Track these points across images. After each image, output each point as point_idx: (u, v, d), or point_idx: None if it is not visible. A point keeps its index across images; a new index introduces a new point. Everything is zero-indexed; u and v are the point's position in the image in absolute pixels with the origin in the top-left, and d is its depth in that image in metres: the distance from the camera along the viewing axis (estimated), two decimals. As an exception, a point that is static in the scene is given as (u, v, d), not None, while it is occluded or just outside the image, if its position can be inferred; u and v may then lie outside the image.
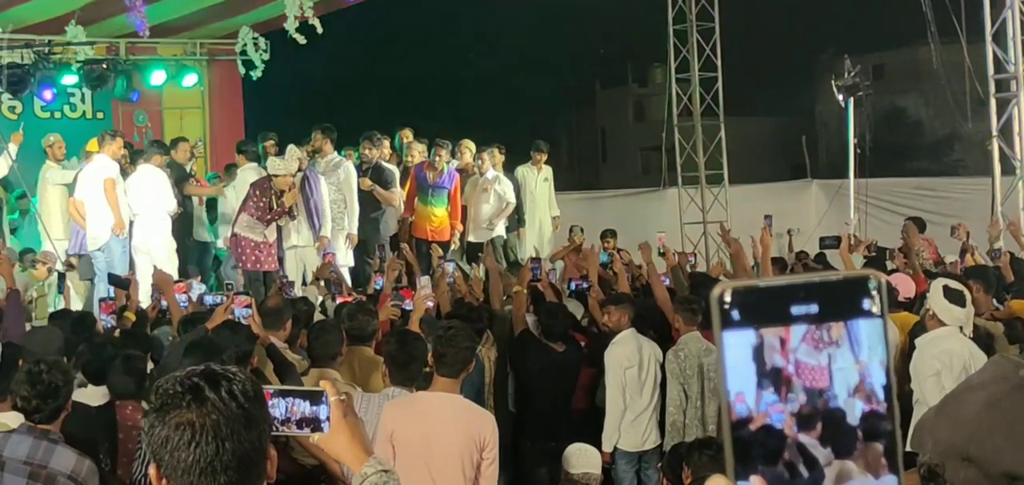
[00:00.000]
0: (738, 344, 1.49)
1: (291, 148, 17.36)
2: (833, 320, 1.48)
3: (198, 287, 15.06)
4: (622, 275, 14.03)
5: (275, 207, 16.63)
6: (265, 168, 17.39)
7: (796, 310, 1.48)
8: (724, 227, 16.24)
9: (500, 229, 19.74)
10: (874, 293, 1.48)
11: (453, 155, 19.85)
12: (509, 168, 20.34)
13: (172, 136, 20.52)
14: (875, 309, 1.48)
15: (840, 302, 1.48)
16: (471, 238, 19.60)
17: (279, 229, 17.01)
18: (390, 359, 8.03)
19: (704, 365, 10.68)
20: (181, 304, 12.38)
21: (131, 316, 12.59)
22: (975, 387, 2.60)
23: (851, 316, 1.48)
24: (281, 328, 9.83)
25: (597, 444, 10.34)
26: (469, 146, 20.09)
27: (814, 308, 1.48)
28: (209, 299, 12.51)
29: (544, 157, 20.41)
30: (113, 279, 14.64)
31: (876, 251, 17.02)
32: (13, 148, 18.24)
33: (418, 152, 19.77)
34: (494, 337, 11.47)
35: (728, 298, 1.48)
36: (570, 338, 11.65)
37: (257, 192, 16.87)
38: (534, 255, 16.71)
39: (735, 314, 1.48)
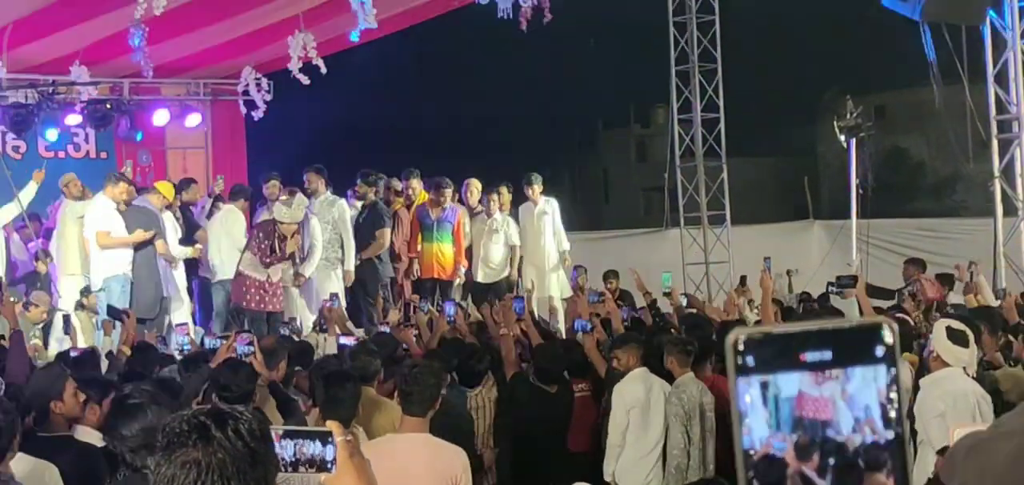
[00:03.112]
0: (752, 391, 1.49)
1: (300, 197, 17.40)
2: (846, 366, 1.49)
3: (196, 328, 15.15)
4: (615, 315, 14.02)
5: (276, 251, 16.66)
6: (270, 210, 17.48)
7: (809, 357, 1.48)
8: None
9: (507, 270, 19.62)
10: (887, 340, 1.49)
11: (459, 195, 19.78)
12: (515, 207, 20.27)
13: (176, 176, 20.57)
14: (888, 356, 1.49)
15: (853, 349, 1.49)
16: (479, 279, 19.49)
17: None
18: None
19: (703, 405, 10.61)
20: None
21: (126, 350, 12.59)
22: (1006, 434, 2.60)
23: (864, 363, 1.48)
24: (275, 368, 9.85)
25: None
26: (476, 186, 19.99)
27: (827, 355, 1.48)
28: (209, 341, 12.54)
29: (538, 189, 19.99)
30: (111, 310, 14.71)
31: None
32: (33, 186, 18.49)
33: (416, 192, 19.68)
34: (495, 379, 11.44)
35: (742, 345, 1.49)
36: (563, 379, 11.62)
37: (260, 234, 16.92)
38: (516, 293, 16.62)
39: (749, 360, 1.49)
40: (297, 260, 17.11)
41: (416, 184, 19.67)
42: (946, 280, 17.99)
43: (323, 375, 9.45)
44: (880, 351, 1.50)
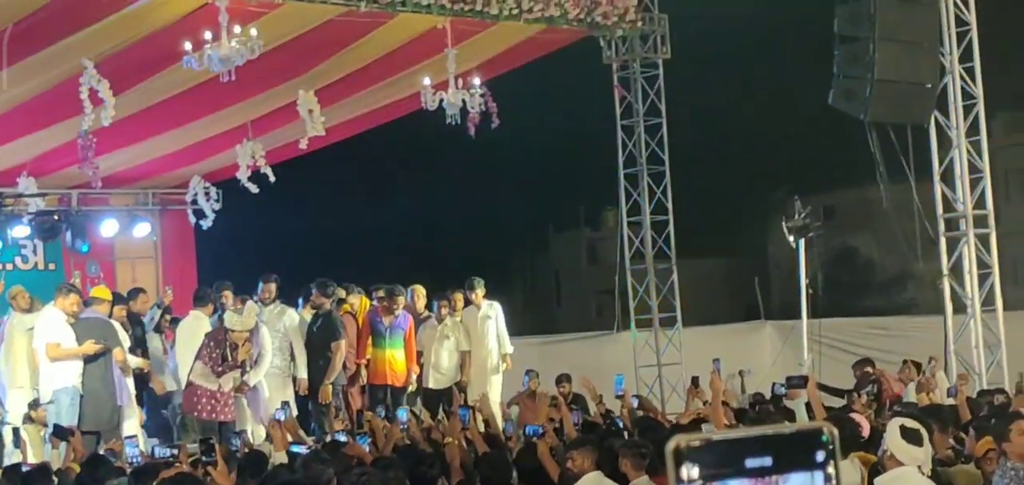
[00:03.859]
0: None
1: (250, 304, 17.31)
2: (787, 472, 1.47)
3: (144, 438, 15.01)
4: (567, 418, 13.98)
5: (228, 359, 16.56)
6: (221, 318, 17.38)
7: (750, 463, 1.47)
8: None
9: (458, 376, 19.56)
10: (827, 445, 1.48)
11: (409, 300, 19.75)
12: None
13: (125, 287, 20.46)
14: (827, 460, 1.48)
15: (793, 454, 1.47)
16: (430, 385, 19.44)
17: None
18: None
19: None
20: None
21: (76, 467, 12.48)
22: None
23: (804, 467, 1.47)
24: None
25: None
26: (421, 292, 19.99)
27: (768, 461, 1.47)
28: (159, 451, 12.43)
29: (480, 293, 19.92)
30: (58, 430, 14.55)
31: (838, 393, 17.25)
32: None
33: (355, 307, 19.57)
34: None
35: (683, 452, 1.47)
36: (511, 485, 11.58)
37: (211, 343, 16.83)
38: (463, 402, 16.53)
39: (690, 469, 1.47)
40: (246, 368, 16.99)
41: (354, 300, 19.55)
42: (915, 366, 18.20)
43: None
44: (820, 456, 1.49)
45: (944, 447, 11.46)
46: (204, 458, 9.87)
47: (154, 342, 18.94)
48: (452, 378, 19.36)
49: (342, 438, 14.05)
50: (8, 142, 19.03)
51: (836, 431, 1.52)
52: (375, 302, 19.36)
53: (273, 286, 18.61)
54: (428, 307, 20.03)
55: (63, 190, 21.89)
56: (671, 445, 1.50)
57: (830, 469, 1.50)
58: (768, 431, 1.51)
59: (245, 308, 17.16)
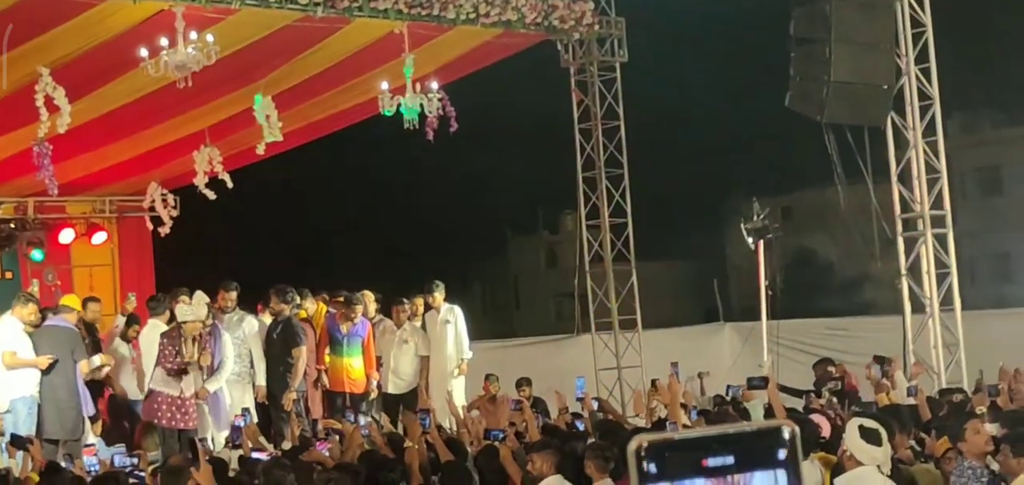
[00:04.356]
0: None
1: (199, 294, 17.16)
2: (748, 470, 1.47)
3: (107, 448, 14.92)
4: (531, 422, 13.99)
5: (184, 354, 16.47)
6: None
7: (711, 462, 1.47)
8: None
9: (417, 381, 19.54)
10: (788, 442, 1.48)
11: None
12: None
13: (82, 294, 20.35)
14: (789, 458, 1.48)
15: (754, 452, 1.47)
16: (390, 390, 19.44)
17: None
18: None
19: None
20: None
21: (34, 476, 12.43)
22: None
23: (766, 466, 1.47)
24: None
25: None
26: (370, 297, 19.89)
27: (730, 459, 1.47)
28: (119, 460, 12.38)
29: (440, 297, 19.90)
30: (15, 439, 14.48)
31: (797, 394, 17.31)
32: None
33: (313, 307, 19.50)
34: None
35: (644, 452, 1.47)
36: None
37: (165, 342, 16.74)
38: (423, 406, 16.51)
39: (652, 468, 1.47)
40: (206, 374, 16.89)
41: (309, 305, 19.48)
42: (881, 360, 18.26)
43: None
44: (782, 454, 1.49)
45: (904, 446, 11.52)
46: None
47: (121, 350, 18.88)
48: (412, 383, 19.35)
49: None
50: (-37, 151, 18.93)
51: (797, 429, 1.52)
52: (332, 309, 19.33)
53: (234, 294, 18.56)
54: (380, 312, 20.04)
55: (19, 199, 21.77)
56: (633, 445, 1.49)
57: (791, 467, 1.50)
58: (730, 430, 1.51)
59: (194, 297, 17.03)
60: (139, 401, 17.91)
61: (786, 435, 1.50)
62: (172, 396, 16.49)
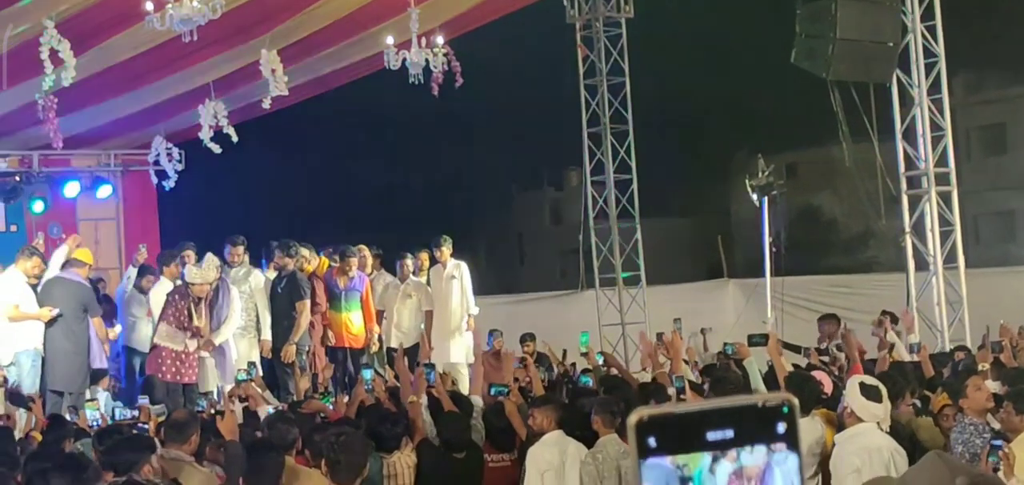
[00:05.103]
0: (656, 474, 1.48)
1: (209, 257, 17.21)
2: (749, 444, 1.48)
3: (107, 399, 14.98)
4: (536, 378, 14.03)
5: (193, 315, 16.53)
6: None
7: (712, 435, 1.48)
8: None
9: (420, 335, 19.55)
10: (787, 416, 1.49)
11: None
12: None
13: (88, 248, 20.37)
14: (789, 431, 1.49)
15: (755, 426, 1.48)
16: (392, 344, 19.44)
17: None
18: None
19: (622, 468, 10.56)
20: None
21: (37, 435, 12.44)
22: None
23: (766, 440, 1.48)
24: (187, 442, 9.74)
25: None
26: (366, 252, 19.82)
27: (730, 433, 1.48)
28: (119, 413, 12.42)
29: (447, 251, 19.77)
30: (14, 396, 14.50)
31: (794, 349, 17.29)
32: None
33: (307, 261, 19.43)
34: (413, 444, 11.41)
35: (645, 425, 1.48)
36: (472, 444, 11.61)
37: (176, 298, 16.78)
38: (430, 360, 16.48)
39: (652, 441, 1.48)
40: (212, 327, 16.95)
41: (306, 252, 19.42)
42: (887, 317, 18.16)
43: (246, 445, 9.38)
44: (781, 427, 1.51)
45: (907, 404, 11.55)
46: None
47: (134, 303, 18.93)
48: (414, 337, 19.34)
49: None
50: (-32, 104, 18.92)
51: (796, 402, 1.54)
52: (332, 264, 19.33)
53: (241, 249, 18.59)
54: (383, 267, 20.07)
55: (24, 152, 21.77)
56: (633, 419, 1.51)
57: (793, 441, 1.51)
58: (728, 404, 1.52)
59: (205, 260, 17.08)
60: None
61: (786, 409, 1.52)
62: (176, 350, 16.54)
